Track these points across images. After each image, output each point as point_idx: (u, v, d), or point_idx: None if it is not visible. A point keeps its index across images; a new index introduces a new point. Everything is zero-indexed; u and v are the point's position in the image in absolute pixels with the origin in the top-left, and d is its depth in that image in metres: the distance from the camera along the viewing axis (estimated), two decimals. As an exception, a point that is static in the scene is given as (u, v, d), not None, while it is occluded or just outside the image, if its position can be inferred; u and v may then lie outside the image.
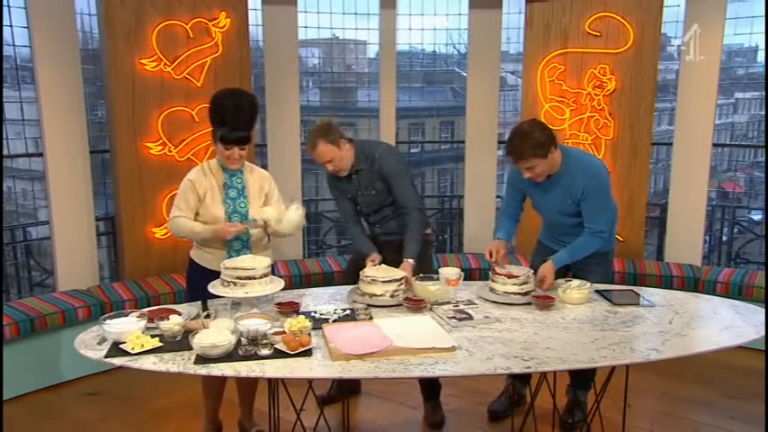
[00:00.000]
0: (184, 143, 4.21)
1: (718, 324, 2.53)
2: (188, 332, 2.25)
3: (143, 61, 4.03)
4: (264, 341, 2.19)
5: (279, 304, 2.61)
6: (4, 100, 3.66)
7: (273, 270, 2.81)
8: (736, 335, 2.41)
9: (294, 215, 2.82)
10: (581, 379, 3.06)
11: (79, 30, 4.09)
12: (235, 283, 2.56)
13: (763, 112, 10.32)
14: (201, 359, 2.14)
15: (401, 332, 2.34)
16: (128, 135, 4.07)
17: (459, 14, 5.18)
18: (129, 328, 2.27)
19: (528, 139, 2.73)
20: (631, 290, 2.91)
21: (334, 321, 2.49)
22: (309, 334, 2.27)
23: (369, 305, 2.67)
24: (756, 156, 6.77)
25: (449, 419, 3.28)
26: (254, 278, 2.57)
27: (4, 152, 3.97)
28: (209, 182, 2.83)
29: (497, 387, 3.35)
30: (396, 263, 2.94)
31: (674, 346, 2.33)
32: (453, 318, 2.53)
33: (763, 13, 4.29)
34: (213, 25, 4.19)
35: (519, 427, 3.01)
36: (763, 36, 4.27)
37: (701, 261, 4.57)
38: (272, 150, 4.75)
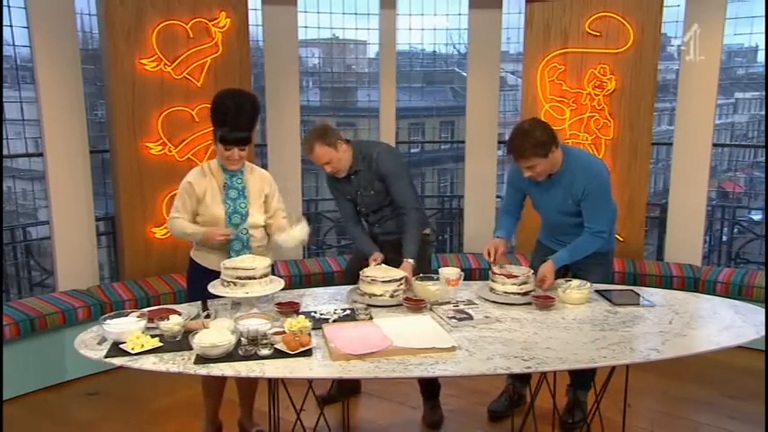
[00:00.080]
0: (184, 143, 4.21)
1: (718, 324, 2.53)
2: (188, 332, 2.25)
3: (143, 61, 4.03)
4: (264, 341, 2.19)
5: (279, 304, 2.61)
6: (4, 100, 3.66)
7: (273, 270, 2.81)
8: (736, 335, 2.41)
9: (299, 233, 2.82)
10: (581, 379, 3.06)
11: (79, 30, 4.09)
12: (235, 283, 2.56)
13: (763, 112, 10.32)
14: (201, 359, 2.14)
15: (401, 332, 2.34)
16: (128, 135, 4.07)
17: (459, 14, 5.18)
18: (129, 328, 2.27)
19: (529, 138, 2.73)
20: (631, 290, 2.91)
21: (334, 321, 2.49)
22: (309, 334, 2.27)
23: (369, 305, 2.67)
24: (756, 156, 6.76)
25: (449, 419, 3.28)
26: (254, 278, 2.57)
27: (4, 152, 3.97)
28: (209, 182, 2.83)
29: (497, 387, 3.35)
30: (395, 262, 2.94)
31: (674, 346, 2.33)
32: (453, 318, 2.53)
33: (763, 13, 4.29)
34: (213, 25, 4.19)
35: (519, 427, 3.01)
36: (763, 36, 4.27)
37: (701, 261, 4.57)
38: (272, 150, 4.75)
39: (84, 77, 4.10)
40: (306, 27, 5.00)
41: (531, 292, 2.76)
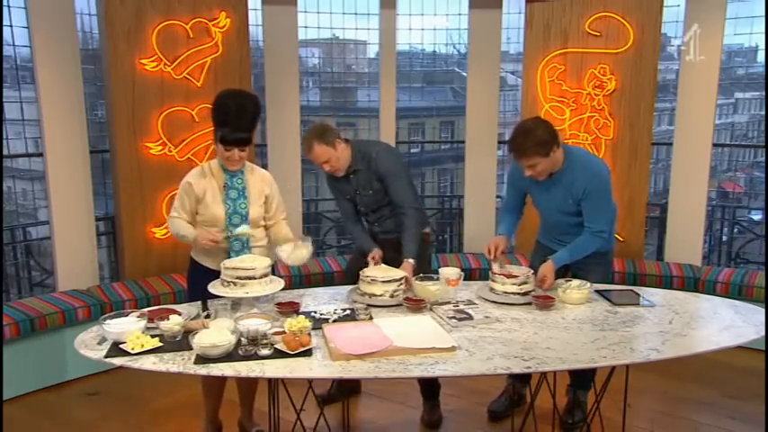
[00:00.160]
0: (184, 143, 4.21)
1: (718, 324, 2.53)
2: (188, 332, 2.25)
3: (143, 61, 4.03)
4: (264, 341, 2.19)
5: (279, 304, 2.61)
6: (4, 100, 3.66)
7: (273, 270, 2.81)
8: (736, 335, 2.41)
9: (304, 251, 2.82)
10: (581, 379, 3.06)
11: (79, 30, 4.09)
12: (235, 283, 2.56)
13: (763, 112, 10.32)
14: (201, 359, 2.14)
15: (401, 332, 2.34)
16: (128, 135, 4.07)
17: (459, 14, 5.18)
18: (129, 328, 2.27)
19: (531, 137, 2.73)
20: (631, 290, 2.91)
21: (334, 321, 2.49)
22: (309, 334, 2.27)
23: (369, 305, 2.67)
24: (756, 156, 6.77)
25: (449, 419, 3.28)
26: (254, 278, 2.57)
27: (4, 152, 3.97)
28: (209, 182, 2.82)
29: (497, 387, 3.35)
30: (394, 261, 2.94)
31: (674, 346, 2.33)
32: (453, 318, 2.53)
33: (763, 13, 4.29)
34: (213, 25, 4.19)
35: (519, 427, 3.01)
36: (763, 36, 4.27)
37: (701, 261, 4.57)
38: (272, 150, 4.75)
39: (84, 77, 4.10)
40: (306, 27, 5.00)
41: (531, 292, 2.76)
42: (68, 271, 4.07)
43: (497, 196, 5.17)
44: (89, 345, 2.29)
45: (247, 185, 2.87)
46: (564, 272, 2.97)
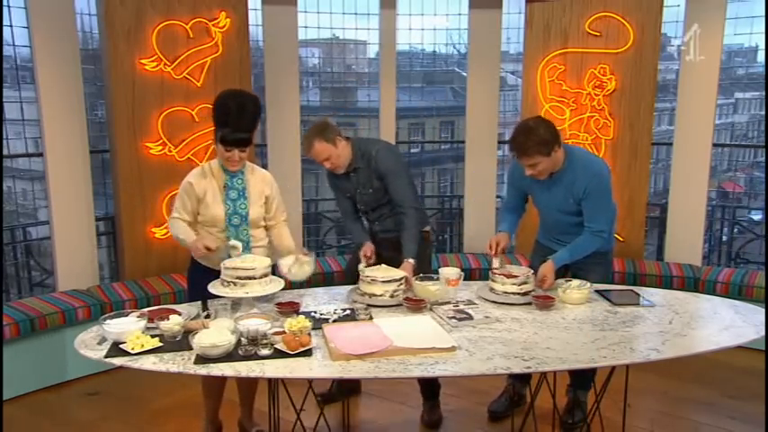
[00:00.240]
0: (184, 143, 4.21)
1: (718, 324, 2.53)
2: (188, 332, 2.25)
3: (143, 61, 4.03)
4: (264, 341, 2.19)
5: (279, 304, 2.61)
6: (4, 100, 3.66)
7: (273, 270, 2.81)
8: (736, 335, 2.41)
9: (306, 269, 2.82)
10: (581, 379, 3.06)
11: (79, 30, 4.09)
12: (235, 283, 2.56)
13: (763, 112, 10.32)
14: (201, 359, 2.14)
15: (401, 332, 2.34)
16: (128, 135, 4.07)
17: (459, 14, 5.18)
18: (129, 328, 2.27)
19: (533, 136, 2.73)
20: (631, 290, 2.91)
21: (334, 321, 2.49)
22: (309, 334, 2.27)
23: (369, 305, 2.67)
24: (756, 156, 6.77)
25: (449, 419, 3.28)
26: (254, 278, 2.57)
27: (4, 152, 3.97)
28: (210, 183, 2.82)
29: (497, 387, 3.35)
30: (394, 260, 2.94)
31: (674, 346, 2.33)
32: (453, 318, 2.53)
33: (763, 13, 4.29)
34: (213, 25, 4.19)
35: (519, 427, 3.01)
36: (763, 36, 4.27)
37: (701, 261, 4.57)
38: (272, 150, 4.75)
39: (84, 77, 4.10)
40: (306, 27, 5.00)
41: (531, 292, 2.76)
42: (68, 271, 4.07)
43: (497, 196, 5.17)
44: (89, 345, 2.29)
45: (247, 186, 2.87)
46: (564, 272, 2.96)
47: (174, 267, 4.17)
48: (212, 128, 2.81)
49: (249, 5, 4.36)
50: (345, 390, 3.27)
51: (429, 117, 9.89)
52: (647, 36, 4.31)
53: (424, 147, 11.17)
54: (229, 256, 2.71)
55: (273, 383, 2.66)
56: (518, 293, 2.73)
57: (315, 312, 2.57)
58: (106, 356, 2.19)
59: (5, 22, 3.81)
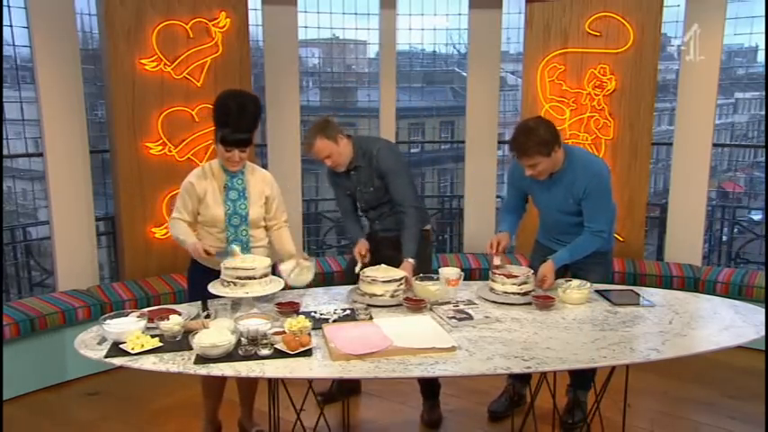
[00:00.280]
0: (184, 143, 4.21)
1: (718, 324, 2.53)
2: (188, 332, 2.25)
3: (143, 61, 4.03)
4: (264, 341, 2.19)
5: (279, 304, 2.61)
6: (4, 100, 3.66)
7: (273, 270, 2.81)
8: (736, 335, 2.41)
9: (307, 276, 2.82)
10: (581, 379, 3.06)
11: (79, 30, 4.09)
12: (235, 283, 2.56)
13: (763, 112, 10.32)
14: (201, 359, 2.14)
15: (401, 332, 2.34)
16: (128, 135, 4.07)
17: (459, 14, 5.18)
18: (129, 328, 2.27)
19: (533, 137, 2.73)
20: (631, 290, 2.91)
21: (334, 321, 2.49)
22: (309, 334, 2.27)
23: (369, 305, 2.67)
24: (756, 156, 6.77)
25: (449, 419, 3.28)
26: (254, 278, 2.57)
27: (4, 152, 3.97)
28: (210, 183, 2.82)
29: (497, 387, 3.35)
30: (394, 259, 2.94)
31: (674, 346, 2.33)
32: (453, 318, 2.53)
33: (763, 13, 4.29)
34: (213, 25, 4.19)
35: (519, 427, 3.01)
36: (763, 36, 4.27)
37: (701, 261, 4.57)
38: (272, 150, 4.75)
39: (84, 77, 4.10)
40: (306, 27, 5.00)
41: (530, 292, 2.76)
42: (68, 271, 4.07)
43: (497, 196, 5.17)
44: (89, 345, 2.29)
45: (248, 186, 2.87)
46: (563, 272, 2.96)
47: (174, 267, 4.17)
48: (212, 128, 2.81)
49: (249, 5, 4.36)
50: (345, 390, 3.27)
51: (429, 117, 9.89)
52: (647, 36, 4.31)
53: (424, 147, 11.17)
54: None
55: (273, 383, 2.66)
56: (518, 293, 2.73)
57: (315, 312, 2.57)
58: (106, 356, 2.19)
59: (5, 22, 3.81)
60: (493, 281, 2.80)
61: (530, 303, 2.71)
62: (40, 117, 3.91)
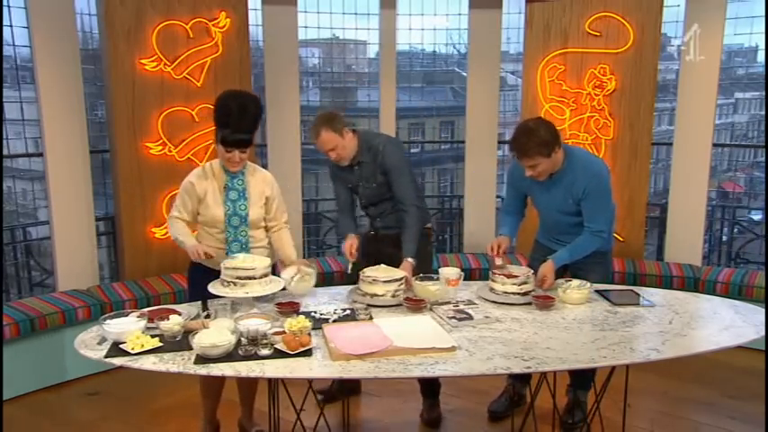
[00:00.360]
0: (184, 143, 4.21)
1: (719, 324, 2.53)
2: (188, 332, 2.25)
3: (143, 61, 4.03)
4: (264, 341, 2.19)
5: (279, 304, 2.61)
6: (4, 100, 3.66)
7: (273, 270, 2.81)
8: (736, 335, 2.41)
9: (308, 284, 2.82)
10: (581, 379, 3.06)
11: (79, 30, 4.09)
12: (235, 284, 2.56)
13: (763, 112, 10.32)
14: (201, 359, 2.14)
15: (401, 332, 2.34)
16: (128, 135, 4.07)
17: (459, 14, 5.18)
18: (129, 328, 2.27)
19: (534, 137, 2.73)
20: (631, 290, 2.91)
21: (334, 321, 2.49)
22: (309, 334, 2.27)
23: (369, 305, 2.67)
24: (756, 156, 6.77)
25: (449, 419, 3.28)
26: (254, 278, 2.58)
27: (4, 152, 3.96)
28: (211, 183, 2.82)
29: (497, 387, 3.35)
30: (394, 257, 2.94)
31: (674, 346, 2.33)
32: (453, 318, 2.53)
33: (763, 13, 4.29)
34: (213, 25, 4.19)
35: (519, 427, 3.02)
36: (763, 36, 4.27)
37: (701, 261, 4.57)
38: (272, 150, 4.75)
39: (84, 77, 4.10)
40: (306, 27, 5.00)
41: (530, 292, 2.76)
42: (68, 271, 4.07)
43: (497, 196, 5.17)
44: (89, 345, 2.29)
45: (248, 187, 2.86)
46: (563, 272, 2.97)
47: (174, 267, 4.17)
48: (212, 128, 2.81)
49: (249, 5, 4.36)
50: (345, 390, 3.27)
51: (429, 117, 9.88)
52: (647, 36, 4.31)
53: (424, 147, 11.17)
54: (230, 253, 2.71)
55: (273, 383, 2.66)
56: (518, 293, 2.73)
57: (315, 312, 2.57)
58: (106, 356, 2.19)
59: (5, 22, 3.81)
60: (493, 281, 2.80)
61: (530, 303, 2.71)
62: (40, 117, 3.91)
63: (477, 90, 4.96)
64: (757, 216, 6.27)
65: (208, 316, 2.40)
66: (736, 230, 5.47)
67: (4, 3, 3.58)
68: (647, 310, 2.67)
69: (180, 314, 2.40)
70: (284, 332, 2.24)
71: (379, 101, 5.00)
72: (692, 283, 4.30)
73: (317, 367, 2.14)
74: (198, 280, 2.78)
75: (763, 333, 2.43)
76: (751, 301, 3.54)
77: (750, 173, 7.89)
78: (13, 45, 3.99)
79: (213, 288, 2.60)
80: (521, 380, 3.29)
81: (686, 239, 4.57)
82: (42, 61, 3.84)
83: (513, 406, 3.26)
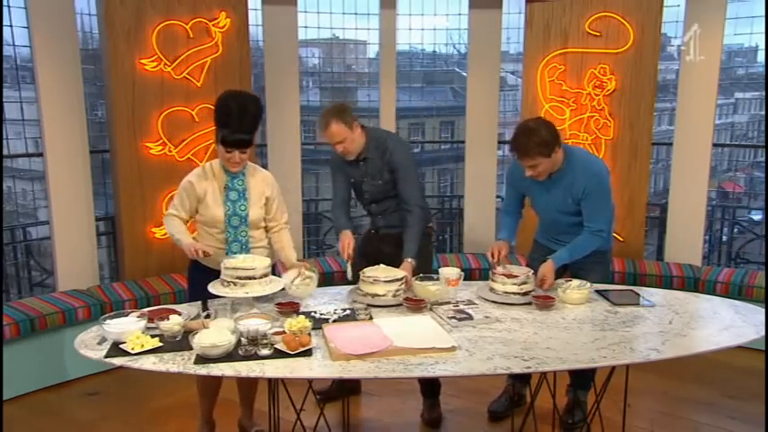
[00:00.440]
0: (184, 143, 4.21)
1: (718, 324, 2.53)
2: (188, 332, 2.25)
3: (143, 61, 4.03)
4: (264, 341, 2.19)
5: (279, 304, 2.61)
6: (4, 100, 3.66)
7: (273, 270, 2.81)
8: (736, 335, 2.42)
9: (309, 288, 2.80)
10: (581, 379, 3.06)
11: (79, 30, 4.09)
12: (235, 283, 2.56)
13: (763, 112, 10.32)
14: (201, 359, 2.14)
15: (401, 332, 2.34)
16: (128, 135, 4.07)
17: (459, 14, 5.18)
18: (129, 328, 2.27)
19: (534, 137, 2.73)
20: (631, 290, 2.91)
21: (334, 321, 2.49)
22: (309, 334, 2.28)
23: (369, 305, 2.67)
24: (756, 156, 6.76)
25: (449, 419, 3.28)
26: (254, 278, 2.57)
27: (4, 152, 3.96)
28: (211, 183, 2.82)
29: (497, 387, 3.35)
30: (394, 257, 2.94)
31: (674, 346, 2.33)
32: (453, 318, 2.53)
33: (763, 13, 4.29)
34: (213, 25, 4.19)
35: (519, 427, 3.02)
36: (763, 36, 4.27)
37: (701, 261, 4.57)
38: (272, 150, 4.75)
39: (84, 77, 4.10)
40: (306, 27, 5.00)
41: (531, 292, 2.76)
42: (68, 271, 4.07)
43: (497, 196, 5.16)
44: (89, 345, 2.29)
45: (248, 187, 2.86)
46: (563, 272, 2.97)
47: (174, 267, 4.17)
48: (212, 128, 2.80)
49: (249, 5, 4.37)
50: (345, 390, 3.27)
51: (429, 117, 9.88)
52: (647, 36, 4.31)
53: (424, 147, 11.17)
54: (230, 253, 2.71)
55: (273, 383, 2.66)
56: (518, 293, 2.73)
57: (315, 312, 2.57)
58: (106, 356, 2.19)
59: (5, 22, 3.81)
60: (493, 281, 2.81)
61: (530, 303, 2.71)
62: (40, 117, 3.91)
63: (477, 90, 4.96)
64: (757, 216, 6.27)
65: (208, 316, 2.40)
66: (736, 230, 5.47)
67: (4, 3, 3.58)
68: (647, 310, 2.67)
69: (180, 314, 2.40)
70: (284, 332, 2.24)
71: (379, 101, 5.00)
72: (691, 283, 4.30)
73: (317, 367, 2.14)
74: (198, 280, 2.78)
75: (763, 333, 2.44)
76: (751, 301, 3.54)
77: (750, 173, 7.89)
78: (13, 45, 3.99)
79: (213, 288, 2.60)
80: (521, 380, 3.29)
81: (686, 239, 4.58)
82: (42, 61, 3.84)
83: (514, 406, 3.27)
